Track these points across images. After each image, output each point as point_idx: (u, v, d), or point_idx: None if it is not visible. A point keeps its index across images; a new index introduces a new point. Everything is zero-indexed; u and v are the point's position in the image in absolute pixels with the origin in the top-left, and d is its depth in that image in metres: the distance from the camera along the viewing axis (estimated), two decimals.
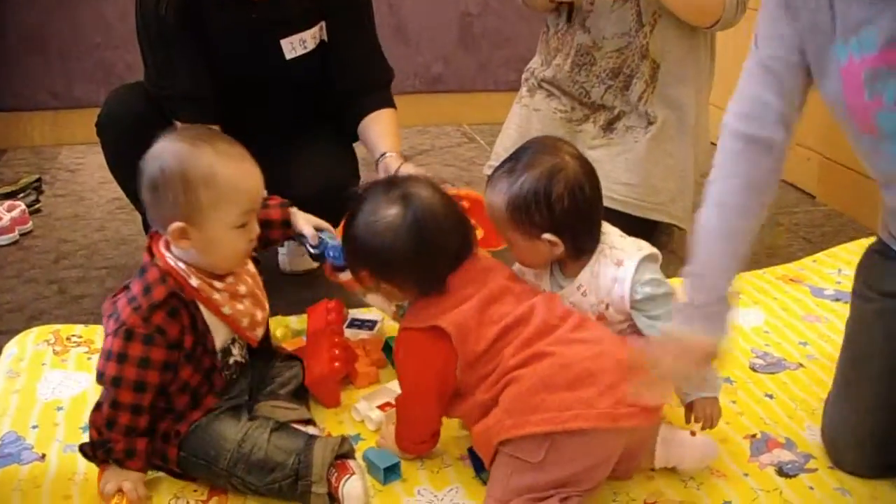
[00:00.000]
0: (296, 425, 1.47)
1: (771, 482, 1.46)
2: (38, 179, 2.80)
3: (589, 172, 1.42)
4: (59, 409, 1.63)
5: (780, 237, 2.56)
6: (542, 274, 1.51)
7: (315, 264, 2.25)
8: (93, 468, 1.43)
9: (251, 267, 1.49)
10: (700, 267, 1.32)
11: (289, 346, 1.74)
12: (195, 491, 1.42)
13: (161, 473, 1.44)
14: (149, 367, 1.31)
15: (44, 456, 1.51)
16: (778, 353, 1.86)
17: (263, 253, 1.62)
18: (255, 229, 1.40)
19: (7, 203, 2.50)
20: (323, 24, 1.93)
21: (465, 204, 1.71)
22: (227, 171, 1.32)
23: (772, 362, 1.83)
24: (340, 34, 1.96)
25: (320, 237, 1.60)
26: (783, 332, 1.95)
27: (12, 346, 1.84)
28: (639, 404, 1.26)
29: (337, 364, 1.62)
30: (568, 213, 1.38)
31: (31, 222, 2.51)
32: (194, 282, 1.34)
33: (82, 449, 1.38)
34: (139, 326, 1.30)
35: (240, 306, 1.41)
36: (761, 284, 2.19)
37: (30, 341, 1.85)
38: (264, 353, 1.58)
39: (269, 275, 2.14)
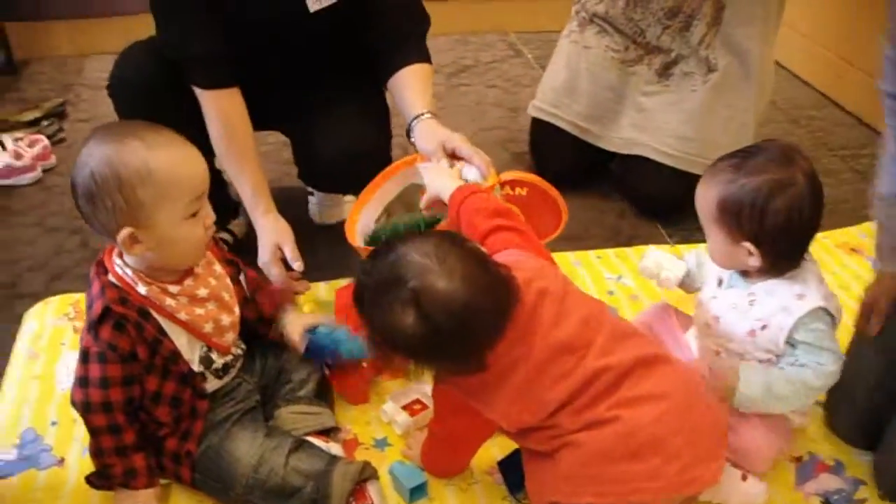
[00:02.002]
0: (317, 439, 1.41)
1: None
2: (63, 104, 2.68)
3: (816, 195, 1.31)
4: None
5: (839, 189, 2.38)
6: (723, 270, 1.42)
7: (346, 215, 2.16)
8: None
9: (217, 267, 1.40)
10: None
11: None
12: None
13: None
14: (110, 386, 1.26)
15: (62, 460, 1.47)
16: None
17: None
18: (210, 214, 1.31)
19: (29, 138, 2.40)
20: None
21: (523, 191, 1.60)
22: (162, 162, 1.22)
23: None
24: None
25: (313, 339, 1.50)
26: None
27: (31, 319, 1.78)
28: (703, 470, 1.16)
29: (365, 364, 1.55)
30: (778, 231, 1.28)
31: (53, 157, 2.41)
32: (142, 289, 1.27)
33: (89, 480, 1.35)
34: (92, 346, 1.26)
35: (199, 310, 1.33)
36: (819, 252, 2.03)
37: (49, 314, 1.79)
38: (273, 344, 1.51)
39: (300, 226, 2.09)
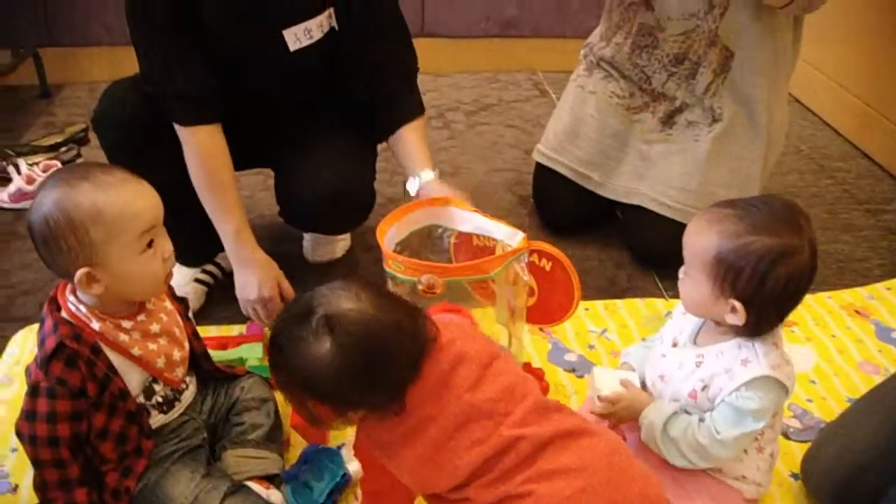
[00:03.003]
0: (258, 485, 1.39)
1: None
2: (85, 130, 2.74)
3: (815, 266, 1.25)
4: None
5: (858, 247, 2.28)
6: (686, 327, 1.38)
7: (340, 253, 2.16)
8: None
9: (168, 304, 1.41)
10: None
11: None
12: None
13: None
14: (57, 421, 1.26)
15: (16, 487, 1.48)
16: (819, 414, 1.66)
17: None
18: (166, 246, 1.32)
19: (45, 163, 2.45)
20: (331, 10, 1.74)
21: (548, 264, 1.58)
22: (111, 199, 1.24)
23: (809, 426, 1.63)
24: (353, 22, 1.76)
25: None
26: (832, 384, 1.75)
27: (14, 344, 1.81)
28: None
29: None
30: (774, 297, 1.23)
31: None
32: (96, 325, 1.28)
33: None
34: (42, 381, 1.26)
35: (152, 346, 1.33)
36: (821, 313, 1.96)
37: (31, 339, 1.81)
38: (226, 382, 1.51)
39: (293, 262, 2.10)
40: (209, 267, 2.01)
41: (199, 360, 1.48)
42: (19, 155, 2.55)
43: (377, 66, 1.80)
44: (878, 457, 1.36)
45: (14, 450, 1.55)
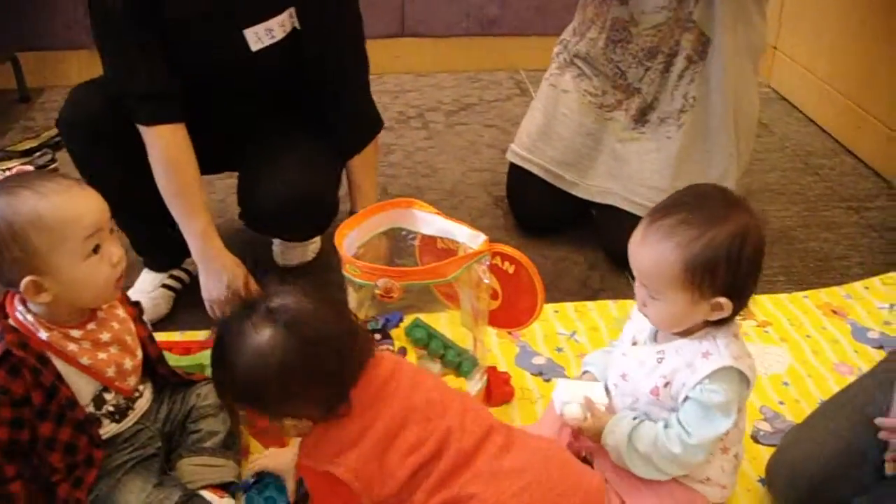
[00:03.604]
0: (212, 493, 1.37)
1: None
2: (59, 134, 2.71)
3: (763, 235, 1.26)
4: None
5: (838, 244, 2.25)
6: (645, 327, 1.35)
7: (309, 257, 2.14)
8: None
9: (120, 311, 1.38)
10: None
11: None
12: None
13: None
14: None
15: None
16: (791, 417, 1.62)
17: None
18: (114, 252, 1.30)
19: (17, 167, 2.43)
20: (292, 10, 1.71)
21: (511, 268, 1.56)
22: (52, 205, 1.22)
23: (780, 429, 1.59)
24: (313, 21, 1.74)
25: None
26: (805, 386, 1.71)
27: None
28: None
29: None
30: (748, 279, 1.23)
31: None
32: (43, 335, 1.26)
33: None
34: None
35: (102, 355, 1.31)
36: (797, 313, 1.93)
37: None
38: (181, 390, 1.48)
39: (264, 266, 2.07)
40: (176, 272, 1.98)
41: (154, 365, 1.46)
42: None
43: (337, 71, 1.78)
44: (843, 463, 1.32)
45: None
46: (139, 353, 1.40)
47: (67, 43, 3.12)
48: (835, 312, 1.93)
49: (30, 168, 2.45)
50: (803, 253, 2.19)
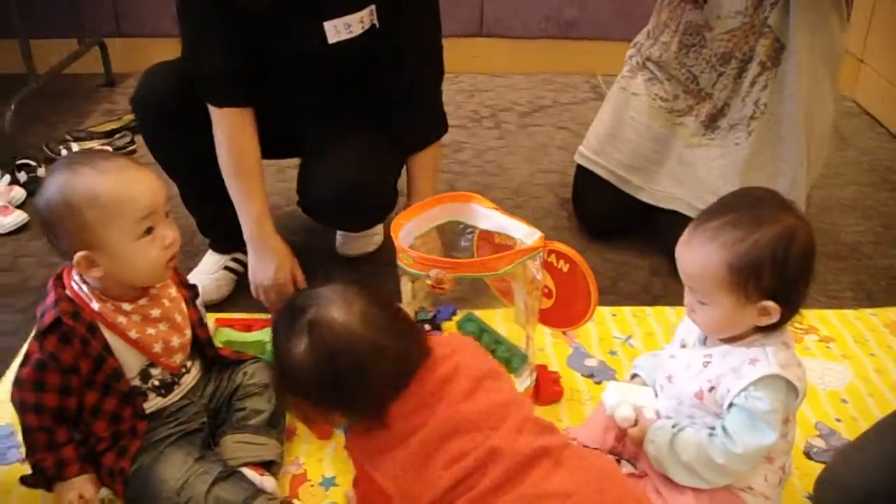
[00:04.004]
0: (252, 471, 1.39)
1: None
2: None
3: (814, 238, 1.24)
4: None
5: None
6: (695, 329, 1.32)
7: (371, 248, 2.15)
8: None
9: (173, 290, 1.42)
10: None
11: None
12: None
13: None
14: (45, 391, 1.29)
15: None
16: (847, 434, 1.57)
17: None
18: (167, 234, 1.32)
19: (97, 147, 2.52)
20: (373, 7, 1.74)
21: (565, 266, 1.56)
22: (108, 184, 1.26)
23: (834, 446, 1.54)
24: (394, 21, 1.76)
25: None
26: (865, 404, 1.66)
27: None
28: None
29: None
30: (797, 282, 1.21)
31: None
32: (95, 305, 1.30)
33: (25, 481, 1.37)
34: (35, 352, 1.30)
35: (151, 330, 1.34)
36: (862, 330, 1.87)
37: None
38: (225, 365, 1.52)
39: (323, 255, 2.10)
40: (239, 255, 2.02)
41: (203, 348, 1.49)
42: (76, 140, 2.63)
43: (412, 71, 1.80)
44: (891, 486, 1.27)
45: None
46: (188, 333, 1.43)
47: (155, 30, 3.22)
48: None
49: (108, 149, 2.53)
50: (874, 270, 2.12)
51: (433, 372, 1.14)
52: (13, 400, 1.33)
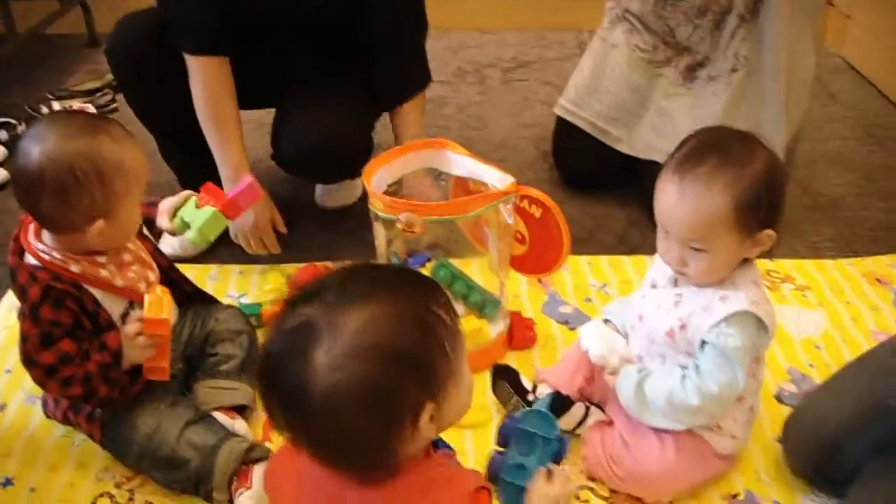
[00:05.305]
0: (224, 414, 1.41)
1: None
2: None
3: None
4: None
5: (892, 215, 2.16)
6: (667, 270, 1.31)
7: (351, 200, 2.15)
8: (45, 425, 1.46)
9: None
10: None
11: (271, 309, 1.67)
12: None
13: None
14: (69, 363, 1.27)
15: (4, 405, 1.53)
16: (820, 380, 1.57)
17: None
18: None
19: (78, 105, 2.51)
20: None
21: (538, 211, 1.56)
22: (130, 155, 1.28)
23: (806, 392, 1.55)
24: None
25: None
26: (838, 351, 1.67)
27: None
28: None
29: None
30: (781, 204, 1.25)
31: None
32: (75, 268, 1.28)
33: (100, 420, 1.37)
34: (31, 329, 1.26)
35: (131, 274, 1.35)
36: (839, 279, 1.87)
37: None
38: (199, 310, 1.53)
39: (303, 208, 2.10)
40: None
41: (180, 284, 1.50)
42: (58, 99, 2.62)
43: (392, 23, 1.80)
44: (857, 427, 1.28)
45: (8, 371, 1.61)
46: (156, 268, 1.43)
47: None
48: (879, 281, 1.87)
49: (90, 108, 2.52)
50: (854, 221, 2.12)
51: None
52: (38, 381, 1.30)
